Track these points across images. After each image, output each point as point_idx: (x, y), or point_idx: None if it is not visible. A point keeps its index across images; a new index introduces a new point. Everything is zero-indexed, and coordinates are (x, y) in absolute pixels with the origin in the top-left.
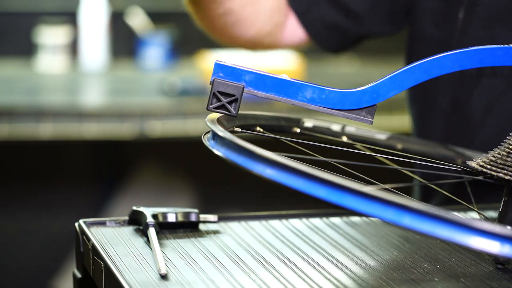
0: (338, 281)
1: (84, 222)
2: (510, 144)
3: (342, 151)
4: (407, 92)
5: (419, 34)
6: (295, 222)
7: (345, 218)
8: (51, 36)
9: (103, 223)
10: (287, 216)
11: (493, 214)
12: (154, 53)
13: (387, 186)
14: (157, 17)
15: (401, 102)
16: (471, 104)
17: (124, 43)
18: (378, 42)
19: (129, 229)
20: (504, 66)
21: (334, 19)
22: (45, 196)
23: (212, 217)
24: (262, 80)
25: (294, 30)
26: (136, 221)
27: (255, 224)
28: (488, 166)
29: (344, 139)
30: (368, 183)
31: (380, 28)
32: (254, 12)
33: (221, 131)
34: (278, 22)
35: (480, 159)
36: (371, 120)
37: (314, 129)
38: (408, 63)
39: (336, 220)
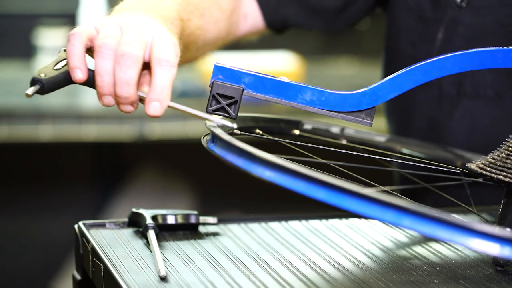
0: (338, 282)
1: (84, 224)
2: (509, 146)
3: (342, 153)
4: (385, 108)
5: (396, 52)
6: (294, 224)
7: (344, 220)
8: (50, 38)
9: (102, 225)
10: (286, 218)
11: (492, 216)
12: None
13: (386, 188)
14: None
15: None
16: (452, 125)
17: None
18: (378, 44)
19: (129, 231)
20: (486, 87)
21: (296, 19)
22: (45, 198)
23: (212, 219)
24: (261, 82)
25: (253, 22)
26: (136, 223)
27: (254, 226)
28: (488, 168)
29: (344, 141)
30: (368, 185)
31: (336, 26)
32: (216, 25)
33: (220, 133)
34: (236, 19)
35: (480, 161)
36: (371, 122)
37: (314, 131)
38: (385, 77)
39: (335, 222)
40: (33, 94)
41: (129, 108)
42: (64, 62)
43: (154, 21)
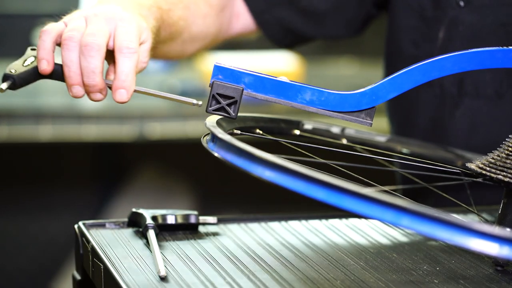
0: (338, 282)
1: (84, 224)
2: (509, 146)
3: (342, 153)
4: (386, 108)
5: (397, 52)
6: (294, 224)
7: (344, 220)
8: None
9: (102, 225)
10: (286, 218)
11: (492, 216)
12: None
13: (386, 188)
14: None
15: None
16: (454, 125)
17: None
18: (378, 44)
19: (129, 231)
20: (487, 86)
21: (291, 22)
22: (45, 198)
23: (212, 219)
24: (261, 82)
25: (245, 22)
26: (136, 223)
27: (254, 226)
28: (488, 168)
29: (344, 141)
30: (368, 185)
31: (337, 32)
32: (204, 19)
33: (220, 133)
34: (228, 17)
35: (480, 161)
36: (371, 122)
37: (314, 131)
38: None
39: (335, 222)
40: (6, 89)
41: (98, 96)
42: (32, 59)
43: (120, 9)
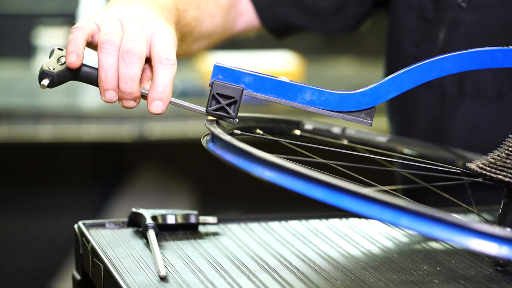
0: (338, 282)
1: (84, 224)
2: (509, 146)
3: (342, 153)
4: (386, 108)
5: (397, 52)
6: (294, 224)
7: (344, 220)
8: (50, 38)
9: (102, 225)
10: (286, 218)
11: (493, 216)
12: None
13: (386, 188)
14: None
15: None
16: (454, 125)
17: None
18: (378, 44)
19: (129, 231)
20: (487, 86)
21: (293, 19)
22: (45, 198)
23: (212, 219)
24: (261, 82)
25: (249, 20)
26: (136, 223)
27: (254, 226)
28: (488, 168)
29: (345, 141)
30: (367, 185)
31: (333, 28)
32: (212, 19)
33: (220, 133)
34: (233, 16)
35: (480, 161)
36: (371, 122)
37: (315, 131)
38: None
39: (335, 222)
40: (46, 86)
41: (132, 103)
42: (64, 58)
43: (152, 15)
